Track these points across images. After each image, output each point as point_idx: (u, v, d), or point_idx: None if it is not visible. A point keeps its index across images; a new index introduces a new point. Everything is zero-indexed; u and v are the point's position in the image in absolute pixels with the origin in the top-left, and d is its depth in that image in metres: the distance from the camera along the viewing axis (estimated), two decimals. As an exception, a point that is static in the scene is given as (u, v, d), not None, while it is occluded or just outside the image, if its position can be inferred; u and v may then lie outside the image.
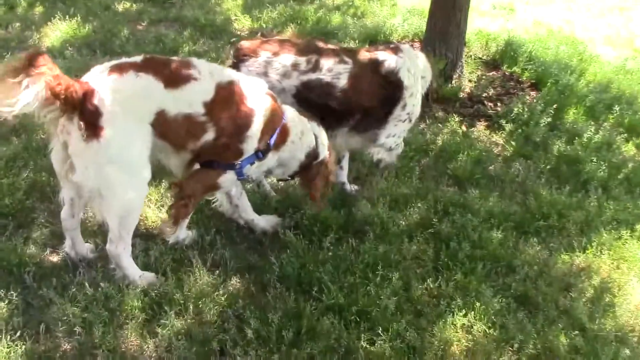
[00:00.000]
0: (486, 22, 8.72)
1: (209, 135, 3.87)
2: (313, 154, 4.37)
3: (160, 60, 3.87)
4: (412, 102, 4.83)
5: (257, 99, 4.01)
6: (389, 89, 4.73)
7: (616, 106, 6.78)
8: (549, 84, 6.86)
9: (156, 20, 7.70)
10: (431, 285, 4.12)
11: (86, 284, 3.82)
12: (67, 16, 7.34)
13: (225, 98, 3.88)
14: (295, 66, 4.52)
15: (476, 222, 4.73)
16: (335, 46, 4.97)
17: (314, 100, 4.55)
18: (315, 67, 4.55)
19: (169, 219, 4.16)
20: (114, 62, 3.76)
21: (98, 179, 3.58)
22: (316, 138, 4.36)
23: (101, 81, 3.56)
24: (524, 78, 7.10)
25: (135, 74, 3.62)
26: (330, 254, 4.27)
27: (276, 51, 4.55)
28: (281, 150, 4.23)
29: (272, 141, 4.11)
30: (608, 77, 7.64)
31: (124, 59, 3.82)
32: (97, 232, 4.35)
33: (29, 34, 7.07)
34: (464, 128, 6.10)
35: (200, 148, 3.90)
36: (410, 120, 4.92)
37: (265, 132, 4.06)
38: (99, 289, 3.80)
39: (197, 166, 4.05)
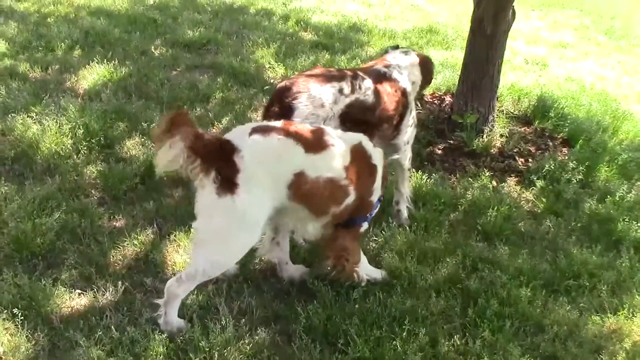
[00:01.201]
0: (519, 77, 8.73)
1: (351, 198, 4.08)
2: None
3: (298, 126, 4.05)
4: (413, 105, 5.30)
5: (374, 153, 4.27)
6: (399, 97, 5.08)
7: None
8: (580, 141, 6.82)
9: (191, 66, 7.82)
10: (458, 342, 4.07)
11: (112, 328, 3.84)
12: (105, 60, 7.48)
13: (359, 160, 4.13)
14: (340, 91, 4.71)
15: (505, 279, 4.69)
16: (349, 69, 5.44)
17: (355, 117, 4.77)
18: (354, 89, 4.78)
19: (344, 275, 4.38)
20: (255, 123, 4.00)
21: (216, 230, 3.76)
22: None
23: (244, 140, 3.77)
24: (556, 135, 7.07)
25: (277, 137, 3.82)
26: (357, 306, 4.24)
27: (320, 82, 4.70)
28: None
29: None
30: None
31: (265, 122, 4.08)
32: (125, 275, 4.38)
33: (67, 76, 7.20)
34: (494, 183, 6.07)
35: (342, 210, 4.11)
36: (415, 125, 5.36)
37: (384, 179, 4.39)
38: (125, 332, 3.81)
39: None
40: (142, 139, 5.93)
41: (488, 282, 4.65)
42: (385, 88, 4.99)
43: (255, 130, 3.83)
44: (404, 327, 4.06)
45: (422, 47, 9.37)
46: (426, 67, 5.51)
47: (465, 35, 7.04)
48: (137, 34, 8.50)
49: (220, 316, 4.03)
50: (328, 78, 4.74)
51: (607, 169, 6.49)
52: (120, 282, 4.29)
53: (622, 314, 4.62)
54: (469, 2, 6.85)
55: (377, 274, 4.60)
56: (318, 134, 4.01)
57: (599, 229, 5.58)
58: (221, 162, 3.69)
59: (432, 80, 5.95)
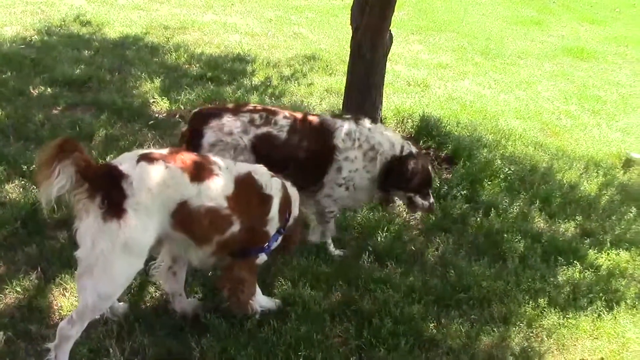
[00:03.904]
0: (402, 99, 8.94)
1: (235, 227, 4.05)
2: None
3: (184, 154, 4.03)
4: (349, 167, 5.08)
5: (268, 184, 4.27)
6: (321, 146, 5.07)
7: (530, 178, 7.02)
8: (463, 157, 7.04)
9: (72, 104, 7.60)
10: (355, 364, 4.09)
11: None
12: (-20, 103, 7.20)
13: (245, 190, 4.12)
14: (252, 121, 4.91)
15: (398, 297, 4.78)
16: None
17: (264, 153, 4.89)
18: (268, 122, 4.95)
19: (237, 307, 4.35)
20: (141, 151, 3.97)
21: (101, 256, 3.63)
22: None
23: (131, 167, 3.74)
24: (440, 153, 7.27)
25: (165, 165, 3.81)
26: (251, 336, 4.21)
27: (234, 112, 4.95)
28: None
29: (288, 215, 4.43)
30: (520, 149, 7.89)
31: (152, 150, 4.05)
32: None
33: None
34: (384, 204, 6.16)
35: (226, 239, 4.06)
36: (347, 188, 5.14)
37: (282, 209, 4.34)
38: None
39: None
40: (22, 182, 5.70)
41: (381, 301, 4.71)
42: (304, 132, 5.02)
43: (142, 158, 3.80)
44: (299, 353, 4.06)
45: (306, 74, 9.49)
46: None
47: (347, 61, 7.17)
48: (13, 73, 8.21)
49: (111, 358, 3.91)
50: (240, 110, 5.01)
51: (490, 183, 6.71)
52: (1, 333, 4.09)
53: (510, 322, 4.77)
54: (350, 29, 6.98)
55: (271, 303, 4.58)
56: (203, 163, 4.02)
57: (486, 242, 5.76)
58: (109, 188, 3.64)
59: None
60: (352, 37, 6.91)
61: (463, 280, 5.13)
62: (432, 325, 4.61)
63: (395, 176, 5.17)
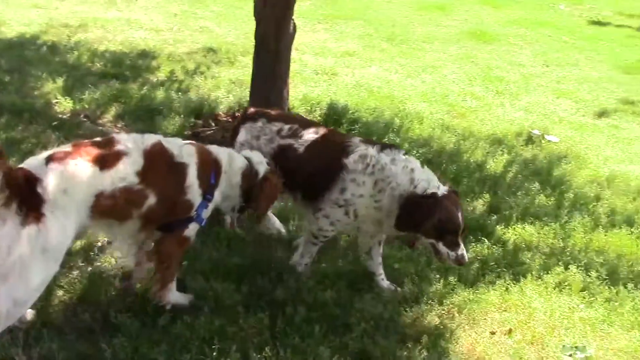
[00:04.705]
0: (310, 88, 8.98)
1: (151, 199, 4.05)
2: (250, 174, 4.56)
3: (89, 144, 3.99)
4: (353, 190, 4.76)
5: (179, 151, 4.23)
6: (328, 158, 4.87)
7: (438, 159, 7.16)
8: (371, 142, 7.10)
9: (-32, 109, 7.34)
10: (269, 353, 4.07)
11: None
12: None
13: (155, 161, 4.09)
14: (279, 131, 5.01)
15: (310, 284, 4.79)
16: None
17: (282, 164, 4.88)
18: (294, 135, 4.97)
19: (156, 286, 4.37)
20: (47, 152, 3.86)
21: (18, 263, 3.54)
22: (249, 159, 4.61)
23: (42, 169, 3.67)
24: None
25: (74, 163, 3.76)
26: (164, 333, 4.16)
27: (270, 118, 5.09)
28: (220, 185, 4.45)
29: (213, 180, 4.36)
30: (428, 132, 8.04)
31: (56, 149, 3.95)
32: None
33: None
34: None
35: (146, 213, 4.08)
36: (347, 212, 4.82)
37: (202, 175, 4.27)
38: None
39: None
40: None
41: (294, 290, 4.73)
42: (323, 147, 4.92)
43: (50, 159, 3.74)
44: (214, 347, 4.02)
45: (212, 67, 9.43)
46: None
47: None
48: None
49: (19, 366, 3.81)
50: (280, 118, 5.14)
51: (398, 167, 6.79)
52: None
53: (422, 301, 4.87)
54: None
55: (183, 299, 4.54)
56: (109, 147, 4.01)
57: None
58: (25, 194, 3.55)
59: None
60: (255, 29, 6.90)
61: (375, 264, 5.19)
62: (345, 309, 4.65)
63: (403, 215, 4.67)
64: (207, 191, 4.35)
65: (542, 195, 6.76)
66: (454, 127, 8.40)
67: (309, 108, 8.00)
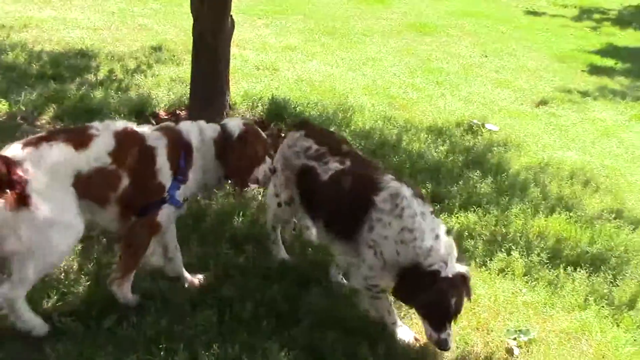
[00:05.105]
0: (252, 84, 8.95)
1: (125, 181, 4.16)
2: (223, 141, 4.52)
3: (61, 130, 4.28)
4: (380, 230, 4.35)
5: (149, 135, 4.31)
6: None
7: (381, 151, 7.23)
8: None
9: None
10: (217, 351, 4.07)
11: None
12: None
13: (124, 143, 4.18)
14: (307, 149, 4.83)
15: (258, 280, 4.80)
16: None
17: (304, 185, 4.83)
18: (319, 158, 4.76)
19: (117, 272, 4.40)
20: (22, 140, 4.00)
21: (32, 243, 3.80)
22: (224, 125, 4.61)
23: (20, 154, 3.83)
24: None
25: (48, 145, 3.92)
26: (110, 335, 4.13)
27: (306, 133, 4.94)
28: (195, 163, 4.45)
29: (183, 162, 4.35)
30: (370, 124, 8.09)
31: (30, 136, 4.10)
32: None
33: None
34: (237, 189, 6.16)
35: (122, 195, 4.18)
36: (375, 253, 4.36)
37: (172, 157, 4.30)
38: None
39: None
40: None
41: (241, 286, 4.73)
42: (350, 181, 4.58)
43: (26, 144, 3.91)
44: (161, 346, 4.00)
45: (152, 65, 9.33)
46: None
47: (194, 50, 7.11)
48: None
49: (-39, 376, 3.74)
50: (315, 135, 4.93)
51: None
52: None
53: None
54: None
55: (131, 299, 4.50)
56: (81, 130, 4.22)
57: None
58: (8, 179, 3.69)
59: None
60: (193, 26, 6.86)
61: (320, 256, 5.22)
62: (293, 304, 4.66)
63: (400, 284, 4.34)
64: (178, 173, 4.35)
65: (483, 183, 6.86)
66: (395, 119, 8.45)
67: (250, 104, 7.98)
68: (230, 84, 7.49)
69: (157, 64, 9.47)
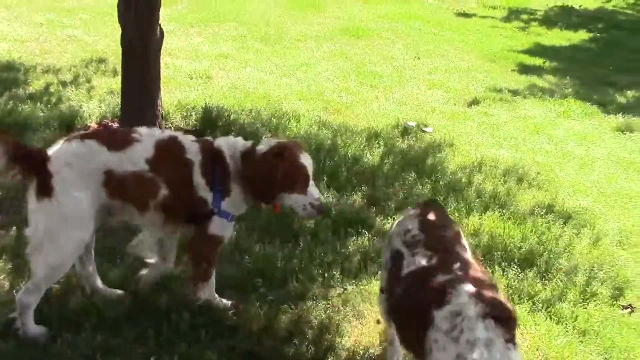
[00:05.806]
0: (185, 93, 8.88)
1: (164, 190, 4.24)
2: (248, 155, 4.44)
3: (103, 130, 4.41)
4: (438, 354, 3.31)
5: (190, 147, 4.34)
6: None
7: (316, 155, 7.23)
8: (250, 143, 7.10)
9: None
10: (155, 363, 4.05)
11: None
12: None
13: (165, 153, 4.27)
14: (405, 232, 3.98)
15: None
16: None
17: None
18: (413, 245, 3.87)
19: (193, 281, 4.64)
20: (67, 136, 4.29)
21: (45, 234, 4.01)
22: (254, 143, 4.53)
23: (54, 149, 4.11)
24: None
25: (79, 141, 4.15)
26: (44, 353, 4.06)
27: (421, 214, 4.12)
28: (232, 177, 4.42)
29: (217, 175, 4.34)
30: (305, 130, 8.10)
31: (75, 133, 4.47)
32: None
33: None
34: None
35: (161, 203, 4.25)
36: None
37: (206, 171, 4.31)
38: None
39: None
40: None
41: (178, 297, 4.69)
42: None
43: (65, 140, 4.18)
44: (97, 362, 3.96)
45: (84, 76, 9.18)
46: None
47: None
48: None
49: None
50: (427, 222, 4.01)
51: (277, 166, 6.82)
52: None
53: (307, 297, 4.93)
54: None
55: (218, 300, 4.70)
56: (124, 133, 4.35)
57: (278, 224, 5.85)
58: (38, 170, 3.98)
59: None
60: (121, 35, 6.76)
61: (258, 264, 5.21)
62: (231, 312, 4.65)
63: None
64: (218, 188, 4.36)
65: (418, 184, 6.94)
66: (330, 123, 8.47)
67: (184, 113, 7.92)
68: (163, 93, 7.43)
69: (96, 75, 9.33)
